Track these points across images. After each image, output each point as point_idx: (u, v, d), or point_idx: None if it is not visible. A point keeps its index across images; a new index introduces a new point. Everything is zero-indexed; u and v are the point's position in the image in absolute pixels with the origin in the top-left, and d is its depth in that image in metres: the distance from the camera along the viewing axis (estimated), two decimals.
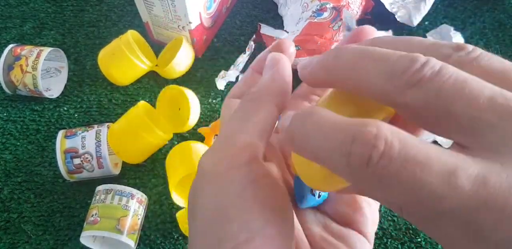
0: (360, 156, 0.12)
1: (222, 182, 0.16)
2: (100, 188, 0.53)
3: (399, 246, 0.54)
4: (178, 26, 0.63)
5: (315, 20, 0.62)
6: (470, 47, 0.14)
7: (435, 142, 0.58)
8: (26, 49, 0.62)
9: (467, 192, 0.11)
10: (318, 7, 0.64)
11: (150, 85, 0.67)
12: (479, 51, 0.14)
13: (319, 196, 0.21)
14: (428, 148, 0.12)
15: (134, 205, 0.52)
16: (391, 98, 0.14)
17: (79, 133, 0.56)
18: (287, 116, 0.17)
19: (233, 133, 0.18)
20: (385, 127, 0.12)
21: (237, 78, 0.66)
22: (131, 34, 0.63)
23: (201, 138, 0.61)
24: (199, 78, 0.67)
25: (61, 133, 0.56)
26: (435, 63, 0.13)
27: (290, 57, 0.21)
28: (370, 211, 0.21)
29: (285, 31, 0.66)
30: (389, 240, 0.54)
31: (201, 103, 0.63)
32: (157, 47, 0.69)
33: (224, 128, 0.19)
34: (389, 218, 0.55)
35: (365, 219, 0.21)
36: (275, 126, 0.19)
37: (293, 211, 0.19)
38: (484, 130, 0.12)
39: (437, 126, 0.13)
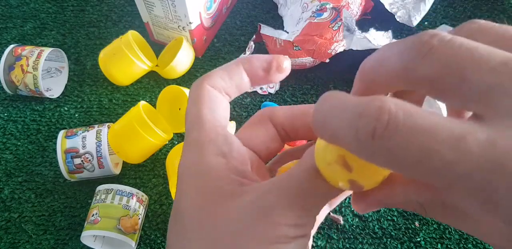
0: (366, 129, 0.12)
1: None
2: (100, 188, 0.54)
3: (399, 245, 0.54)
4: (178, 26, 0.63)
5: (315, 20, 0.62)
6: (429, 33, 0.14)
7: None
8: (26, 49, 0.62)
9: (476, 155, 0.11)
10: (318, 8, 0.64)
11: (150, 85, 0.67)
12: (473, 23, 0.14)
13: None
14: (435, 117, 0.12)
15: (135, 204, 0.52)
16: (405, 75, 0.14)
17: (80, 133, 0.56)
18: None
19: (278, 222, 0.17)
20: (389, 100, 0.12)
21: None
22: (132, 34, 0.63)
23: None
24: None
25: (61, 133, 0.56)
26: (444, 35, 0.13)
27: (284, 73, 0.21)
28: None
29: (285, 31, 0.66)
30: (389, 239, 0.54)
31: None
32: (157, 47, 0.69)
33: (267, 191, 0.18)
34: (389, 218, 0.56)
35: None
36: None
37: None
38: (498, 95, 0.12)
39: (453, 96, 0.13)
